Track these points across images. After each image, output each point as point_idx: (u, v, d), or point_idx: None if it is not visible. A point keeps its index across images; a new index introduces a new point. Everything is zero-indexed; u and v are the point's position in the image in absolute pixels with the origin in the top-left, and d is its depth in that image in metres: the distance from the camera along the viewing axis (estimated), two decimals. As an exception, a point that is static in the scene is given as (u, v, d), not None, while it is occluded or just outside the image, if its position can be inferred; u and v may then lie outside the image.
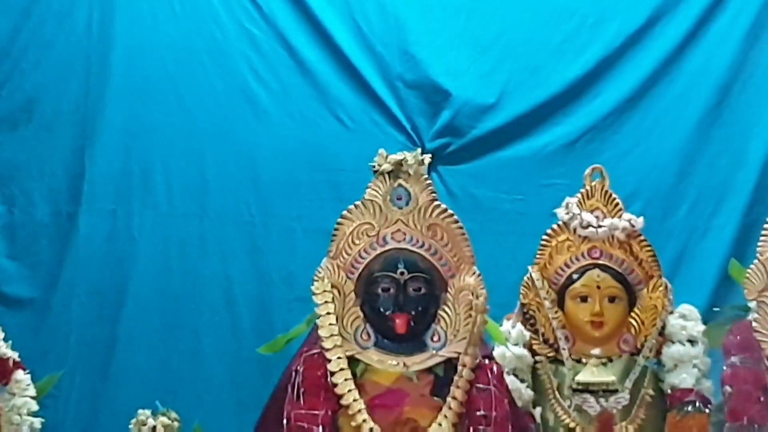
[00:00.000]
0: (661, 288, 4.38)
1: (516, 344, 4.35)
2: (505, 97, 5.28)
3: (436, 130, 5.27)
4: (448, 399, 3.89)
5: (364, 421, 3.83)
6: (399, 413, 3.90)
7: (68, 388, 4.95)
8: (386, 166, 4.00)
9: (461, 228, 4.02)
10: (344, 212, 4.00)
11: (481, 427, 3.88)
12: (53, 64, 5.34)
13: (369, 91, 5.31)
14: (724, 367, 4.01)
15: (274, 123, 5.34)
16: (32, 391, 4.17)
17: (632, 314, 4.38)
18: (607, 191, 4.46)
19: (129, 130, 5.32)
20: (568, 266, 4.44)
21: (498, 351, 4.20)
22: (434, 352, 3.94)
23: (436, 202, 4.01)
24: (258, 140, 5.34)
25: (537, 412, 4.32)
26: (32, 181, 5.31)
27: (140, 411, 4.12)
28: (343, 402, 3.85)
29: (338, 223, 4.00)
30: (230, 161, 5.34)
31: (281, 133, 5.34)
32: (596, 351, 4.32)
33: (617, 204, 4.43)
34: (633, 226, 4.39)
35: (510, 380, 4.17)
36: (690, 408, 4.23)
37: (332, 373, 3.89)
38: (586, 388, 4.28)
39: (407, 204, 3.99)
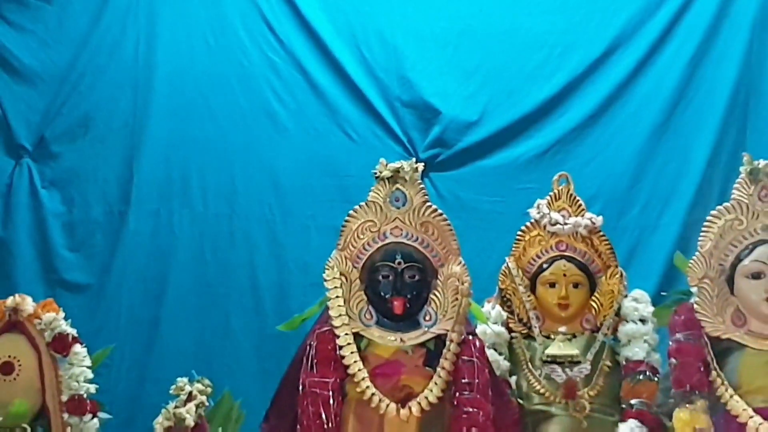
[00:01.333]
0: (617, 276, 4.45)
1: (495, 323, 4.44)
2: (485, 115, 5.32)
3: (428, 143, 5.30)
4: (438, 369, 3.98)
5: (368, 387, 3.93)
6: (396, 381, 3.98)
7: (118, 360, 4.95)
8: (386, 173, 4.12)
9: (449, 225, 4.13)
10: (350, 212, 4.11)
11: (465, 393, 3.97)
12: (106, 87, 5.37)
13: (371, 109, 5.34)
14: (670, 343, 4.08)
15: (291, 137, 5.37)
16: (88, 362, 4.21)
17: (593, 298, 4.45)
18: (571, 194, 4.54)
19: (170, 142, 5.35)
20: (539, 257, 4.51)
21: (480, 328, 4.29)
22: (426, 329, 4.04)
23: (428, 203, 4.11)
24: (278, 151, 5.36)
25: (513, 380, 4.39)
26: (88, 185, 5.34)
27: (179, 379, 4.15)
28: (350, 371, 3.95)
29: (345, 221, 4.11)
30: (254, 169, 5.36)
31: (297, 145, 5.36)
32: (562, 329, 4.44)
33: (580, 205, 4.52)
34: (594, 223, 4.48)
35: (490, 353, 4.25)
36: (641, 377, 4.30)
37: (340, 347, 3.98)
38: (554, 360, 4.37)
39: (404, 205, 4.10)
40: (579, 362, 4.37)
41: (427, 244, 4.11)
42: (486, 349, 4.20)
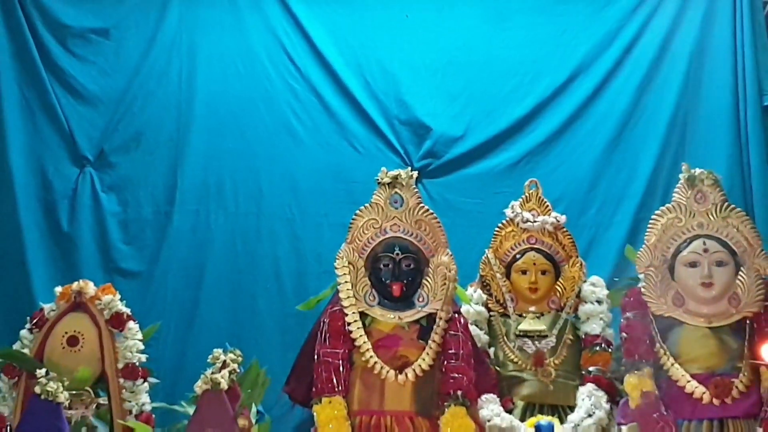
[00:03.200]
0: (578, 265, 4.50)
1: (476, 303, 4.49)
2: (468, 131, 5.31)
3: (421, 154, 5.28)
4: (430, 341, 4.04)
5: (371, 357, 3.99)
6: (395, 351, 4.05)
7: (164, 334, 4.92)
8: (386, 179, 4.17)
9: (438, 222, 4.18)
10: (357, 211, 4.17)
11: (452, 361, 4.03)
12: (154, 109, 5.35)
13: (374, 126, 5.32)
14: (622, 320, 4.14)
15: (307, 149, 5.35)
16: (139, 336, 4.28)
17: (558, 283, 4.49)
18: (540, 197, 4.58)
19: (207, 154, 5.34)
20: (513, 249, 4.55)
21: (464, 308, 4.34)
22: (420, 309, 4.08)
23: (421, 205, 4.17)
24: (296, 161, 5.34)
25: (491, 350, 4.43)
26: (140, 189, 5.32)
27: (215, 350, 4.14)
28: (356, 344, 4.01)
29: (353, 219, 4.16)
30: (277, 176, 5.34)
31: (312, 156, 5.34)
32: (532, 308, 4.50)
33: (547, 206, 4.56)
34: (558, 221, 4.52)
35: (472, 328, 4.29)
36: (598, 348, 4.37)
37: (349, 324, 4.04)
38: (525, 334, 4.43)
39: (401, 206, 4.14)
40: (546, 336, 4.42)
41: (421, 238, 4.16)
42: (469, 325, 4.26)
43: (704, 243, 4.04)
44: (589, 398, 4.24)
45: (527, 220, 4.52)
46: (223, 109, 5.34)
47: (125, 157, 5.33)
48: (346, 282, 4.10)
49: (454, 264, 4.14)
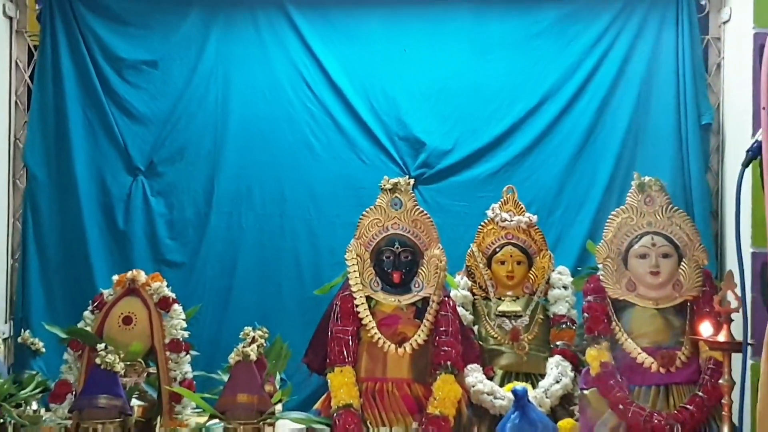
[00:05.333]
0: (547, 257, 4.53)
1: (463, 289, 4.49)
2: (456, 146, 5.26)
3: (416, 165, 5.24)
4: (424, 320, 4.08)
5: (375, 333, 4.03)
6: (395, 329, 4.08)
7: (203, 315, 4.92)
8: (388, 186, 4.19)
9: (431, 221, 4.21)
10: (364, 212, 4.22)
11: (443, 337, 4.06)
12: (195, 127, 5.32)
13: (378, 142, 5.27)
14: (584, 302, 4.14)
15: (323, 161, 5.30)
16: (183, 316, 4.29)
17: (531, 272, 4.51)
18: (516, 200, 4.61)
19: (239, 165, 5.30)
20: (493, 243, 4.56)
21: (452, 292, 4.33)
22: (416, 293, 4.11)
23: (417, 207, 4.21)
24: (313, 171, 5.30)
25: (475, 328, 4.43)
26: (183, 194, 5.30)
27: (245, 328, 4.20)
28: (363, 322, 4.04)
29: (360, 219, 4.21)
30: (297, 183, 5.30)
31: (327, 167, 5.30)
32: (509, 293, 4.52)
33: (522, 208, 4.58)
34: (531, 220, 4.55)
35: (459, 310, 4.31)
36: (564, 326, 4.40)
37: (357, 306, 4.07)
38: (503, 314, 4.45)
39: (400, 207, 4.16)
40: (521, 316, 4.44)
41: (416, 234, 4.19)
42: (457, 307, 4.27)
43: (652, 238, 4.05)
44: (556, 367, 4.27)
45: (505, 220, 4.53)
46: (253, 128, 5.30)
47: (171, 167, 5.30)
48: (354, 271, 4.14)
49: (445, 256, 4.17)
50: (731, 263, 4.70)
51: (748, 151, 1.98)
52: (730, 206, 4.87)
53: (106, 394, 3.83)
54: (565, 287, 4.48)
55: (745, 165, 2.01)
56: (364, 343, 4.08)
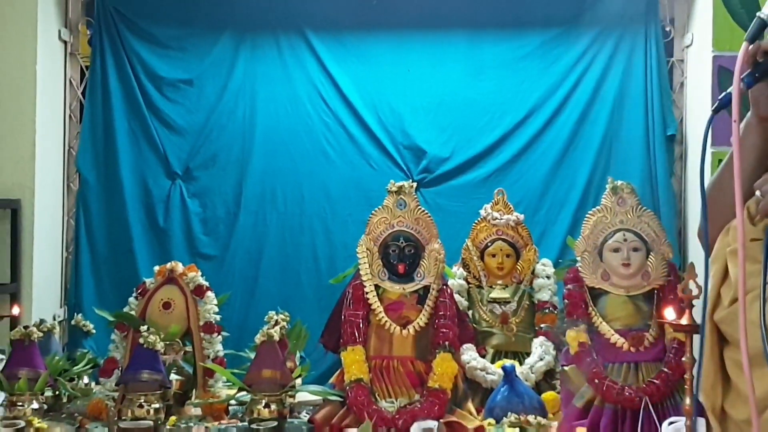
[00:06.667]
0: (533, 251, 4.50)
1: (459, 278, 4.48)
2: (453, 154, 5.26)
3: (419, 170, 5.24)
4: (425, 306, 4.07)
5: (383, 317, 4.01)
6: (400, 313, 4.06)
7: (233, 301, 4.91)
8: (394, 189, 4.19)
9: (432, 220, 4.19)
10: (373, 212, 4.19)
11: (441, 320, 4.04)
12: (226, 138, 5.32)
13: (385, 151, 5.28)
14: (564, 290, 4.11)
15: (337, 167, 5.31)
16: (215, 302, 4.31)
17: (518, 264, 4.48)
18: (505, 201, 4.59)
19: (264, 170, 5.31)
20: (485, 239, 4.54)
21: (450, 282, 4.32)
22: (418, 282, 4.10)
23: (419, 207, 4.19)
24: (329, 176, 5.30)
25: (470, 313, 4.42)
26: (215, 196, 5.31)
27: (270, 312, 4.23)
28: (372, 307, 4.03)
29: (370, 217, 4.19)
30: (315, 186, 5.30)
31: (341, 172, 5.31)
32: (500, 282, 4.49)
33: (510, 208, 4.56)
34: (518, 219, 4.52)
35: (456, 296, 4.29)
36: (547, 311, 4.37)
37: (366, 293, 4.05)
38: (494, 301, 4.43)
39: (404, 208, 4.16)
40: (509, 302, 4.42)
41: (419, 231, 4.17)
42: (454, 294, 4.25)
43: (624, 235, 4.04)
44: (540, 347, 4.27)
45: (496, 218, 4.53)
46: (276, 138, 5.30)
47: (205, 172, 5.31)
48: (364, 263, 4.14)
49: (443, 250, 4.17)
50: (693, 256, 4.76)
51: (719, 99, 1.97)
52: (692, 207, 4.94)
53: (148, 369, 3.84)
54: (548, 277, 4.47)
55: (715, 111, 2.01)
56: (373, 325, 4.07)
